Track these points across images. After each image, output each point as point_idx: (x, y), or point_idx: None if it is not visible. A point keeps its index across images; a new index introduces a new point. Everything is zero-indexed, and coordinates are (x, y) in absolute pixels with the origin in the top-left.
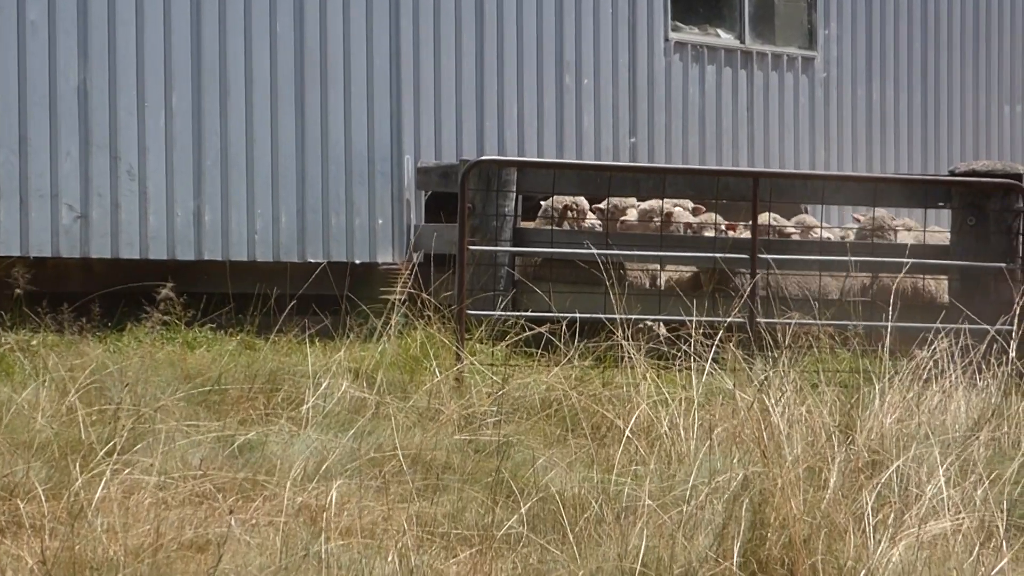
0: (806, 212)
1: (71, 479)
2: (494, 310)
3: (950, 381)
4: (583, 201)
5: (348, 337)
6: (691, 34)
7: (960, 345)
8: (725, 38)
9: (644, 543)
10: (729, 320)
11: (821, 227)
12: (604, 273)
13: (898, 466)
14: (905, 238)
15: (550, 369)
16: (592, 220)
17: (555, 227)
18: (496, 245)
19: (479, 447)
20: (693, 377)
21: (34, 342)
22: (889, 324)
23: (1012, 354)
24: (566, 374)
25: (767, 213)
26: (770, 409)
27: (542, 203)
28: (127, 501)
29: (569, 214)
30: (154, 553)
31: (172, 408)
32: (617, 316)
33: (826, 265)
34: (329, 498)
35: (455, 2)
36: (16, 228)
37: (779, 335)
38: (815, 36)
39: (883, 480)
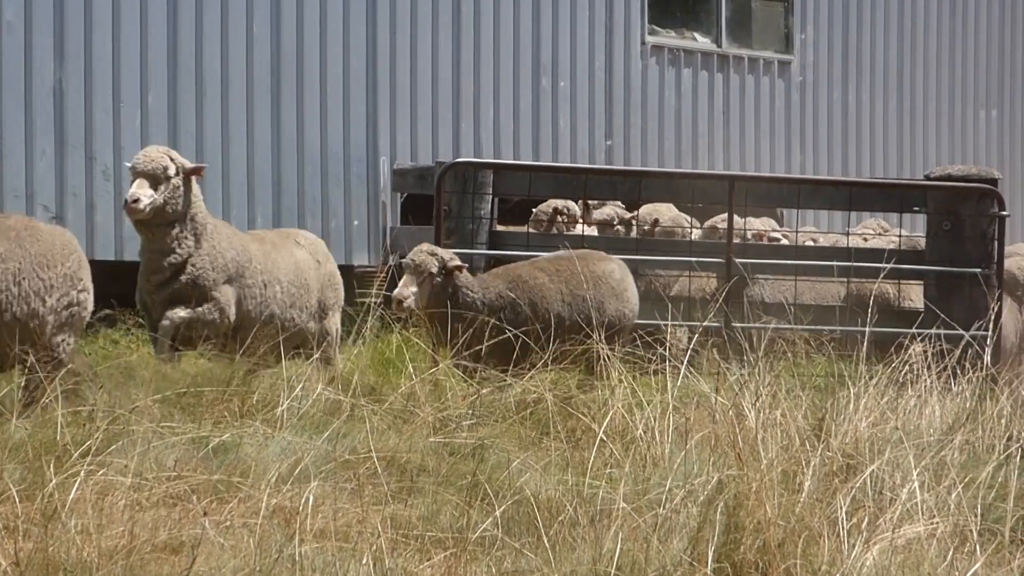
0: (780, 215)
1: (45, 480)
2: None
3: (925, 385)
4: (573, 205)
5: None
6: (668, 37)
7: (934, 350)
8: (702, 42)
9: (618, 546)
10: (704, 324)
11: (797, 230)
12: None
13: (872, 470)
14: None
15: (526, 372)
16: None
17: (545, 230)
18: (472, 248)
19: (454, 450)
20: (668, 380)
21: None
22: (866, 329)
23: (987, 359)
24: (541, 377)
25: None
26: (745, 413)
27: (532, 209)
28: (101, 502)
29: (560, 218)
30: (128, 555)
31: (147, 409)
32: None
33: (802, 269)
34: (303, 500)
35: (432, 4)
36: None
37: (755, 340)
38: (791, 40)
39: (857, 484)
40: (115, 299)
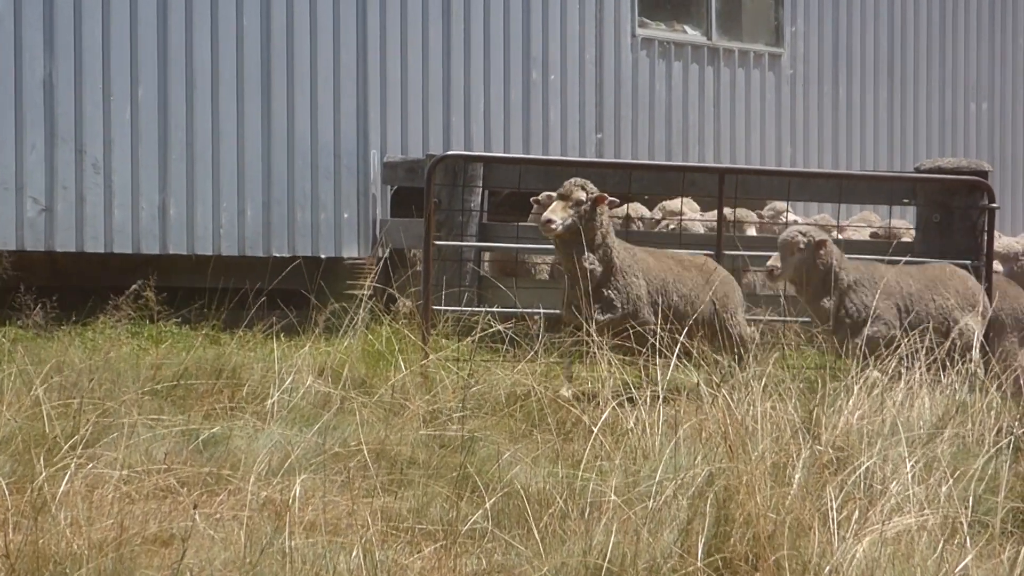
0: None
1: (35, 473)
2: (460, 305)
3: (915, 378)
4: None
5: (314, 332)
6: (658, 30)
7: (925, 342)
8: (692, 34)
9: (609, 539)
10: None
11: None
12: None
13: (863, 463)
14: None
15: (516, 364)
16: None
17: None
18: (462, 240)
19: (444, 442)
20: (659, 373)
21: None
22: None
23: (976, 351)
24: (532, 369)
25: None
26: (734, 405)
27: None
28: (91, 495)
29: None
30: (118, 547)
31: (137, 402)
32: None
33: None
34: (293, 493)
35: None
36: None
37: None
38: (782, 33)
39: (848, 476)
40: (106, 291)
